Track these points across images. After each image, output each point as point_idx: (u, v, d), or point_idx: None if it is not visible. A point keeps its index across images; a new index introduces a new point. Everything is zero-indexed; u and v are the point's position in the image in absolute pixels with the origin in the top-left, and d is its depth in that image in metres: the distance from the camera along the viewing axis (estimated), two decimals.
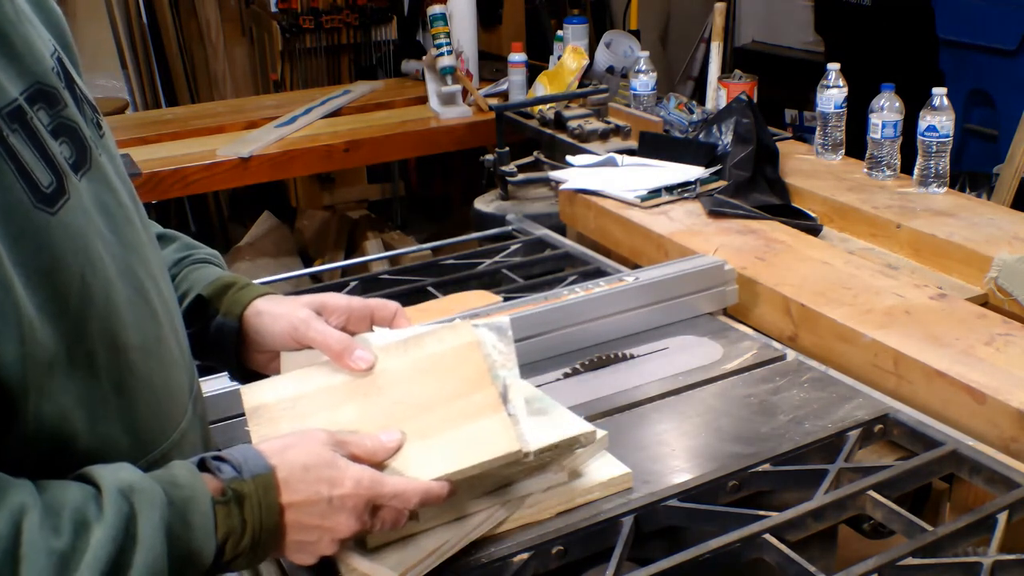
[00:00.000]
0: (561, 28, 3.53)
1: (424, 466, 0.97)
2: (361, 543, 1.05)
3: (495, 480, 1.08)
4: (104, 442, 0.81)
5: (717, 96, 2.81)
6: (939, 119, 2.15)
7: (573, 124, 2.84)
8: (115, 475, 0.77)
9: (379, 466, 0.96)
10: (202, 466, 0.86)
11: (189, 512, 0.80)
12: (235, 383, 1.29)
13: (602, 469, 1.19)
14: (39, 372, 0.73)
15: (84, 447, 0.79)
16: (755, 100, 2.53)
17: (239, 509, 0.83)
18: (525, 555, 1.08)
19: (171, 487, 0.80)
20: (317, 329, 1.04)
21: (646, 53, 2.99)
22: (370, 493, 0.91)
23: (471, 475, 0.98)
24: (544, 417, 1.17)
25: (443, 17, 3.37)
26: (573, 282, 1.80)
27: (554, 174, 2.49)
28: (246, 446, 0.90)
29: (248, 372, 1.12)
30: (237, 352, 1.09)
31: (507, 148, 2.80)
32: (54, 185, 0.77)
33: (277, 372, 1.09)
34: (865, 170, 2.31)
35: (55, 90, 0.81)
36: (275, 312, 1.07)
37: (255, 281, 2.06)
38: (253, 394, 1.04)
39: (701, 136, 2.42)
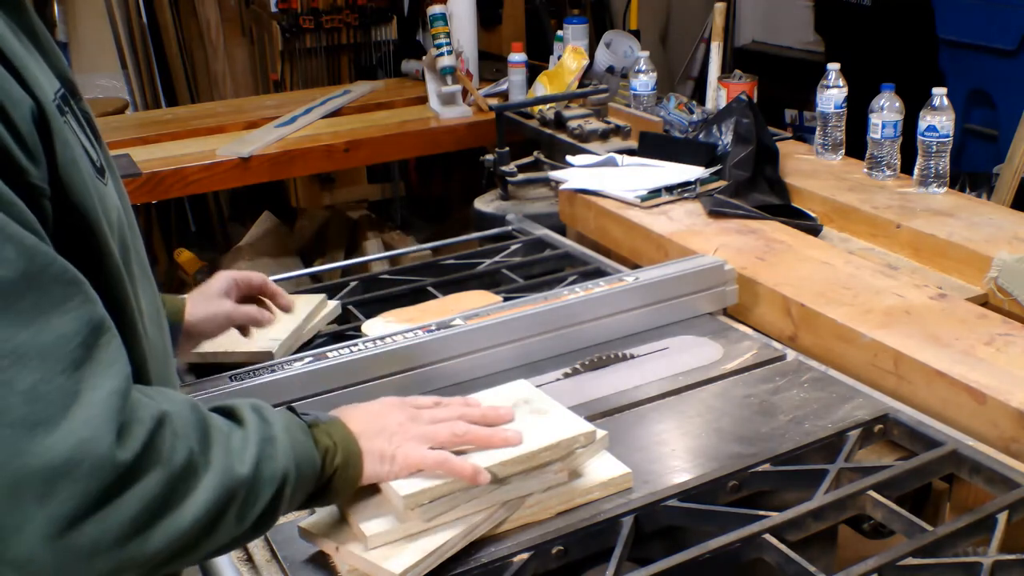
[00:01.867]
0: (561, 28, 3.52)
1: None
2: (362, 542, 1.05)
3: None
4: None
5: (717, 96, 2.81)
6: (939, 119, 2.15)
7: (573, 124, 2.84)
8: (241, 399, 0.95)
9: None
10: None
11: (296, 428, 0.96)
12: (233, 384, 1.38)
13: (602, 469, 1.19)
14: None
15: None
16: (755, 100, 2.53)
17: (326, 434, 1.00)
18: (525, 555, 1.08)
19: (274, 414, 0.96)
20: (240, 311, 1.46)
21: (646, 53, 2.99)
22: (404, 400, 1.11)
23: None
24: (544, 417, 1.17)
25: (443, 17, 3.37)
26: (573, 282, 1.80)
27: (554, 174, 2.49)
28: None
29: None
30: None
31: (507, 148, 2.79)
32: (100, 161, 0.87)
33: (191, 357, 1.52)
34: (865, 170, 2.31)
35: (74, 84, 0.89)
36: (209, 308, 1.42)
37: None
38: None
39: (701, 136, 2.42)
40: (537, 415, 1.17)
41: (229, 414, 0.91)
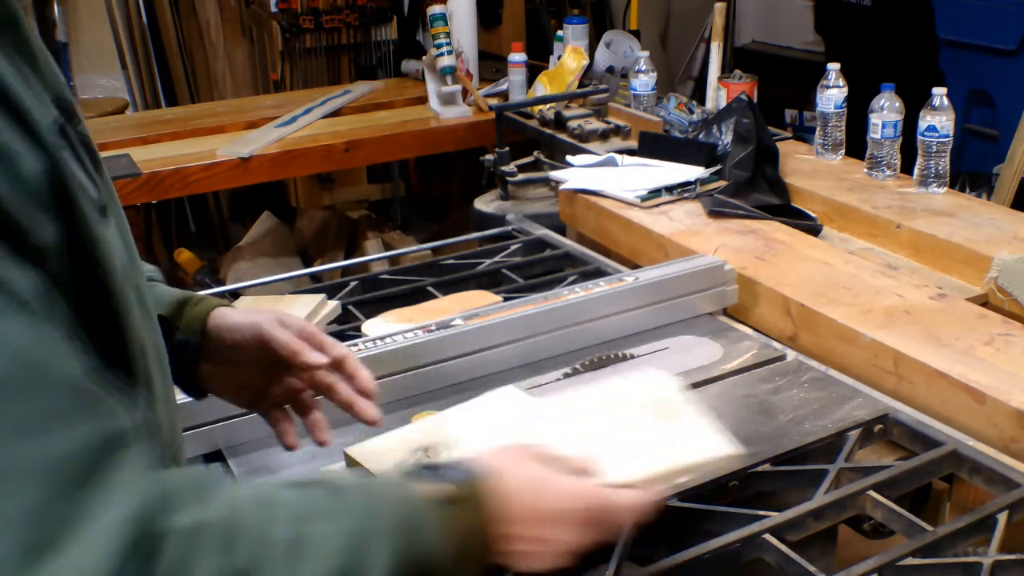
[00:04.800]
0: (561, 28, 3.53)
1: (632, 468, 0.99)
2: None
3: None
4: None
5: (717, 96, 2.81)
6: (939, 119, 2.15)
7: (573, 124, 2.84)
8: (344, 472, 0.80)
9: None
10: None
11: (413, 515, 0.79)
12: None
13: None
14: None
15: None
16: (755, 100, 2.53)
17: (459, 521, 0.82)
18: None
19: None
20: (282, 331, 1.08)
21: (646, 53, 2.99)
22: (588, 504, 0.92)
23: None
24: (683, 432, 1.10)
25: (443, 17, 3.37)
26: (573, 282, 1.80)
27: (554, 174, 2.49)
28: (464, 463, 0.88)
29: (194, 389, 1.12)
30: (195, 368, 1.09)
31: (507, 148, 2.79)
32: (99, 197, 0.76)
33: (217, 387, 1.11)
34: (865, 170, 2.31)
35: (71, 104, 0.79)
36: (239, 317, 1.09)
37: (255, 282, 2.08)
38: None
39: (701, 136, 2.42)
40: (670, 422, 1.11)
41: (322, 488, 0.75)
